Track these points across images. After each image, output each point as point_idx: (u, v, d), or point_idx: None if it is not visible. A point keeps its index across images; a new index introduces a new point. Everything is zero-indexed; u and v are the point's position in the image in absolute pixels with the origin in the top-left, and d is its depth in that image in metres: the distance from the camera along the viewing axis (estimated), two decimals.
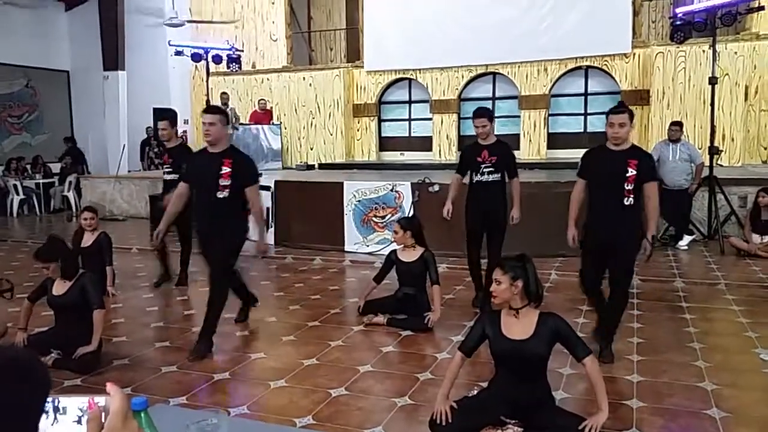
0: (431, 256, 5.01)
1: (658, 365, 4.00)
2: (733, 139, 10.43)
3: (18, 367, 0.89)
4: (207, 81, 11.44)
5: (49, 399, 0.93)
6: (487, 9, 11.86)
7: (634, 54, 11.25)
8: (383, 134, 13.66)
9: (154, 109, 12.10)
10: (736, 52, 10.29)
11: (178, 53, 11.33)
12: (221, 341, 4.53)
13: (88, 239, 5.80)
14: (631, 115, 4.03)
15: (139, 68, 13.97)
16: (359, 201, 7.87)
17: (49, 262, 4.16)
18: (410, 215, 7.00)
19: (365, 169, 11.57)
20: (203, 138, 4.42)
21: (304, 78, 13.50)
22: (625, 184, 3.93)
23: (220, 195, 4.24)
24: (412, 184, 7.63)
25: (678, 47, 10.06)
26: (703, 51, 10.14)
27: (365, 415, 3.35)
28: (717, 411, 3.31)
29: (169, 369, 4.10)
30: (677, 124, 8.00)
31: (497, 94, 12.58)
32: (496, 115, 7.47)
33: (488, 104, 11.82)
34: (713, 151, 7.91)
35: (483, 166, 5.01)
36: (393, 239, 5.27)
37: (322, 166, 12.54)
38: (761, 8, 8.07)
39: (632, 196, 3.94)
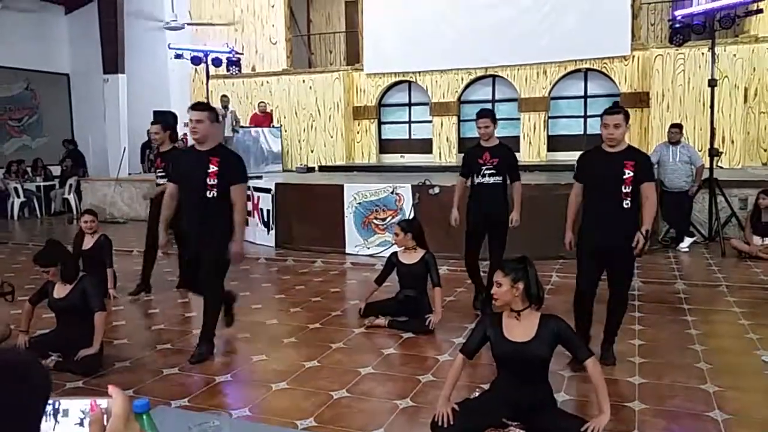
0: (432, 258, 5.02)
1: (660, 367, 4.00)
2: (733, 141, 10.45)
3: (17, 369, 0.89)
4: (207, 84, 11.45)
5: (51, 401, 0.93)
6: (487, 12, 11.89)
7: (634, 56, 11.28)
8: (383, 137, 13.67)
9: (154, 112, 12.10)
10: (735, 55, 10.31)
11: (178, 56, 11.35)
12: (222, 344, 4.54)
13: (88, 242, 5.81)
14: (627, 116, 3.93)
15: (139, 71, 13.98)
16: (360, 203, 7.88)
17: (48, 266, 4.16)
18: (411, 217, 7.00)
19: (365, 171, 11.57)
20: (191, 136, 4.27)
21: (303, 81, 13.52)
22: (623, 187, 3.84)
23: (209, 194, 4.12)
24: (412, 186, 7.64)
25: (677, 50, 10.08)
26: (702, 53, 10.16)
27: (367, 418, 3.35)
28: (719, 413, 3.31)
29: (171, 371, 4.09)
30: (677, 127, 8.01)
31: (497, 97, 12.60)
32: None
33: (488, 107, 11.83)
34: (713, 153, 7.92)
35: (484, 168, 4.99)
36: (394, 241, 5.27)
37: (323, 169, 12.55)
38: (759, 11, 8.09)
39: (630, 198, 3.86)
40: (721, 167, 9.56)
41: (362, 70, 13.29)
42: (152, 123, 6.21)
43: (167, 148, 6.04)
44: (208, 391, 3.80)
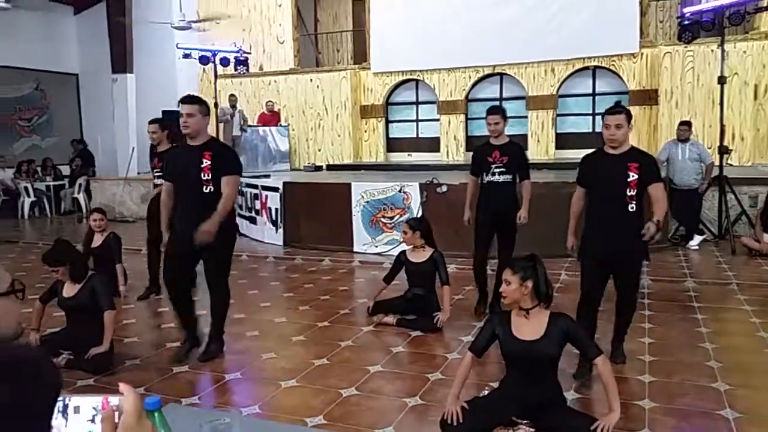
0: (441, 256, 5.01)
1: (670, 365, 3.99)
2: (743, 139, 10.37)
3: (29, 365, 0.89)
4: (215, 83, 11.49)
5: (61, 398, 0.94)
6: (494, 9, 11.86)
7: (642, 54, 11.21)
8: (391, 135, 13.66)
9: (163, 112, 12.12)
10: (744, 52, 10.23)
11: (186, 56, 11.39)
12: (232, 342, 4.55)
13: (97, 240, 5.90)
14: (629, 116, 3.79)
15: (148, 71, 14.03)
16: (367, 202, 7.88)
17: (57, 265, 4.20)
18: (419, 216, 7.00)
19: (373, 170, 11.58)
20: (182, 130, 4.17)
21: (311, 80, 13.53)
22: (627, 190, 3.71)
23: (206, 190, 4.04)
24: (420, 184, 7.63)
25: (686, 47, 10.02)
26: (712, 50, 10.09)
27: (376, 415, 3.35)
28: (730, 411, 3.30)
29: (181, 369, 4.11)
30: (686, 124, 7.97)
31: (504, 95, 12.56)
32: None
33: (496, 104, 11.80)
34: (723, 150, 7.87)
35: (494, 166, 4.93)
36: (402, 240, 5.27)
37: (330, 168, 12.56)
38: None
39: (635, 201, 3.73)
40: (731, 165, 9.49)
41: (369, 68, 13.29)
42: (150, 122, 6.10)
43: (165, 148, 5.92)
44: (217, 389, 3.82)
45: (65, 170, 14.04)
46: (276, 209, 8.64)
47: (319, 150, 13.48)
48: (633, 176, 3.71)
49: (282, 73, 13.79)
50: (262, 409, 3.47)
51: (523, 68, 12.02)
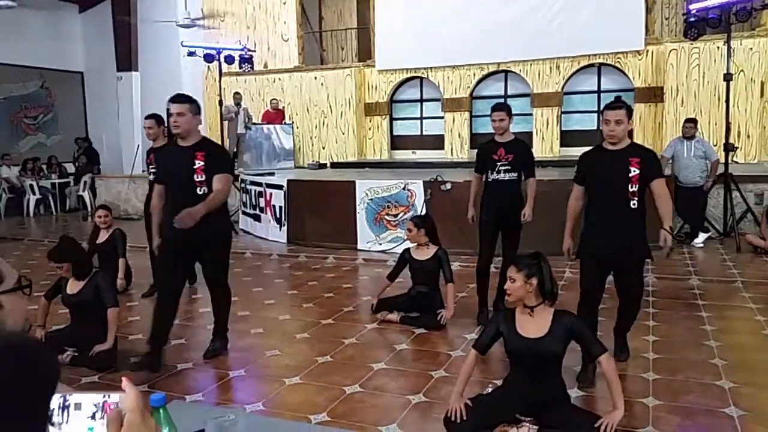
0: (445, 254, 5.01)
1: (674, 363, 3.98)
2: (748, 136, 10.33)
3: (29, 354, 0.89)
4: (219, 81, 11.49)
5: (62, 395, 0.94)
6: (499, 6, 11.83)
7: (648, 51, 11.17)
8: (395, 133, 13.66)
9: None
10: (751, 48, 10.19)
11: (191, 54, 11.40)
12: (236, 339, 4.56)
13: (103, 236, 5.97)
14: (629, 111, 3.70)
15: (153, 69, 14.06)
16: (371, 199, 7.88)
17: (61, 262, 4.22)
18: (423, 213, 7.00)
19: (377, 167, 11.58)
20: (172, 130, 4.04)
21: (315, 77, 13.53)
22: (629, 186, 3.63)
23: (200, 191, 3.92)
24: (424, 182, 7.63)
25: (692, 44, 9.98)
26: (718, 47, 10.04)
27: (380, 413, 3.36)
28: (734, 409, 3.29)
29: (185, 366, 4.13)
30: (692, 121, 7.94)
31: (509, 92, 12.54)
32: None
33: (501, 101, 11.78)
34: (728, 148, 7.84)
35: (499, 164, 4.84)
36: (407, 237, 5.25)
37: (335, 165, 12.57)
38: None
39: (637, 198, 3.64)
40: (737, 162, 9.46)
41: (374, 66, 13.28)
42: (146, 118, 5.91)
43: (160, 144, 5.77)
44: (222, 386, 3.83)
45: (70, 168, 14.10)
46: (280, 207, 8.66)
47: (324, 148, 13.49)
48: (634, 171, 3.63)
49: (286, 70, 13.79)
50: (266, 406, 3.48)
51: (528, 65, 11.99)
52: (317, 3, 15.54)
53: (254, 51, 12.44)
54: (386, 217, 7.82)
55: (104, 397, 0.96)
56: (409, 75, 13.08)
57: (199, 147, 3.99)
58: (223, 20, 14.25)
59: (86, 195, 12.91)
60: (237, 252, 8.07)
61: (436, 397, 3.52)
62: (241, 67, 11.81)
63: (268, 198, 8.91)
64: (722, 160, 7.75)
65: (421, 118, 13.46)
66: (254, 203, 9.39)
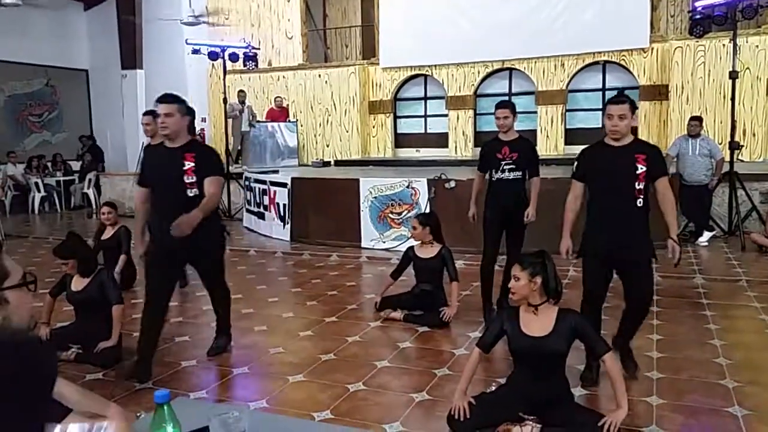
0: (449, 252, 5.00)
1: (678, 362, 3.97)
2: (754, 134, 10.29)
3: (30, 352, 0.89)
4: (224, 79, 11.52)
5: (50, 425, 0.94)
6: (503, 4, 11.82)
7: (653, 48, 11.14)
8: (399, 131, 13.66)
9: None
10: (757, 46, 10.14)
11: (195, 52, 11.43)
12: (239, 336, 4.57)
13: (108, 233, 6.02)
14: (633, 107, 3.55)
15: (157, 67, 14.09)
16: (375, 197, 7.88)
17: (67, 258, 4.23)
18: (428, 211, 6.99)
19: (381, 165, 11.57)
20: (159, 131, 3.91)
21: (319, 75, 13.54)
22: (636, 183, 3.48)
23: (190, 193, 3.77)
24: (428, 180, 7.62)
25: (697, 41, 9.94)
26: (723, 45, 10.01)
27: (383, 411, 3.36)
28: (738, 409, 3.28)
29: (189, 363, 4.14)
30: (697, 119, 7.90)
31: (514, 90, 12.52)
32: None
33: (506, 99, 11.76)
34: (734, 146, 7.81)
35: (504, 163, 4.78)
36: (411, 235, 5.26)
37: (338, 163, 12.57)
38: None
39: (643, 196, 3.50)
40: (742, 160, 9.42)
41: (378, 64, 13.28)
42: (144, 114, 5.71)
43: (158, 141, 5.71)
44: (225, 384, 3.84)
45: (75, 166, 14.14)
46: (284, 205, 8.66)
47: (328, 145, 13.50)
48: (641, 168, 3.48)
49: (290, 68, 13.81)
50: (269, 404, 3.48)
51: (532, 63, 11.97)
52: (321, 1, 15.55)
53: (258, 49, 12.46)
54: (390, 215, 7.82)
55: (91, 427, 0.97)
56: (413, 73, 13.08)
57: (188, 148, 3.84)
58: (228, 18, 14.26)
59: (91, 192, 12.96)
60: (241, 249, 8.10)
61: (440, 396, 3.51)
62: (245, 65, 11.83)
63: (272, 196, 8.92)
64: (727, 158, 7.72)
65: (425, 116, 13.45)
66: (258, 201, 9.40)
